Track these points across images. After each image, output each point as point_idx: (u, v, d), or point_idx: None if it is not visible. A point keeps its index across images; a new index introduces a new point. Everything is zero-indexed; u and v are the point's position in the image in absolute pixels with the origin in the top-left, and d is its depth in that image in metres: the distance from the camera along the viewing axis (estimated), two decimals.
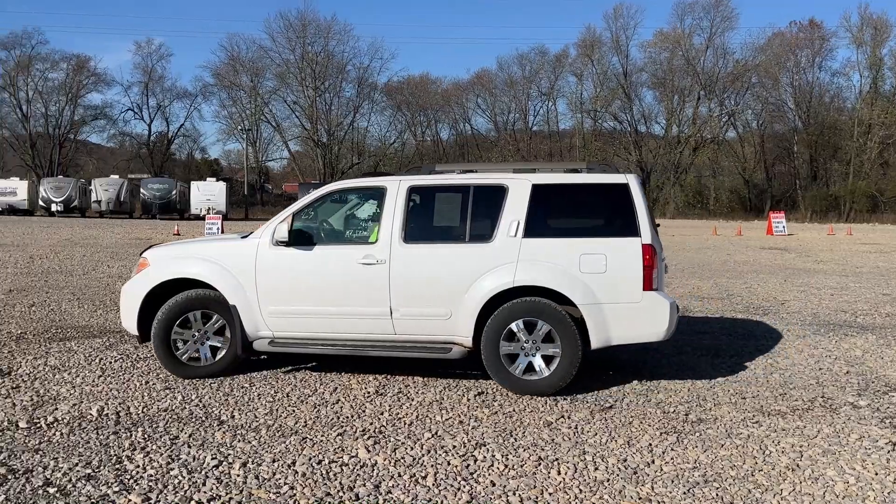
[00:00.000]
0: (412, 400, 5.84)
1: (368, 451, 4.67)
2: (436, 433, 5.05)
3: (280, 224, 6.28)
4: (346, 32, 79.51)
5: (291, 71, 68.47)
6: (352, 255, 6.23)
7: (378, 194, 6.46)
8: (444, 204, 6.51)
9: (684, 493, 4.11)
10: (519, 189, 6.21)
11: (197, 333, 6.38)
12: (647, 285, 5.98)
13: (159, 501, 3.90)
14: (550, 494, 4.06)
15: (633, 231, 6.05)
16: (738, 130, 68.30)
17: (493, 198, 6.24)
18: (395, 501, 3.95)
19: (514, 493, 4.06)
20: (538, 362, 5.99)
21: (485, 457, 4.62)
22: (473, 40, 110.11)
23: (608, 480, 4.27)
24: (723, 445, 4.88)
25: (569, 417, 5.44)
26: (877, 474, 4.41)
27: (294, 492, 4.05)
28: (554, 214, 6.28)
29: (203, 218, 35.36)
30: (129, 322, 6.52)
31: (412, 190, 6.34)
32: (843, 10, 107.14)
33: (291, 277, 6.32)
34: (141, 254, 6.84)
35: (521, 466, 4.47)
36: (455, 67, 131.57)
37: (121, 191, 48.66)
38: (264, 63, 68.84)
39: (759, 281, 14.36)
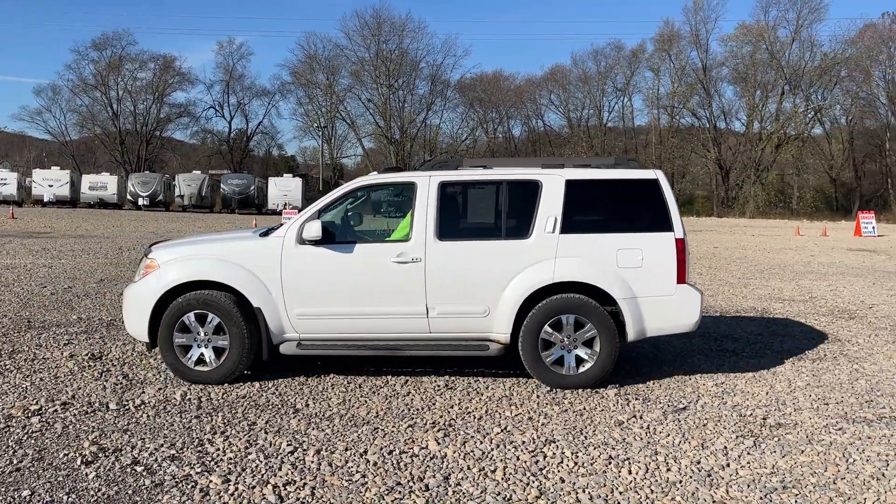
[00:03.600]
0: (481, 395, 5.87)
1: (438, 444, 4.72)
2: (505, 428, 5.06)
3: (308, 222, 6.05)
4: (420, 30, 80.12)
5: (366, 69, 69.45)
6: (384, 254, 6.11)
7: (408, 190, 6.36)
8: (477, 200, 6.45)
9: (761, 498, 3.99)
10: (553, 184, 6.21)
11: (199, 336, 6.03)
12: (681, 278, 6.16)
13: (238, 483, 4.06)
14: (621, 493, 4.02)
15: (666, 226, 6.18)
16: (824, 127, 65.27)
17: (528, 193, 6.24)
18: (464, 493, 3.99)
19: (584, 491, 4.04)
20: (570, 360, 6.07)
21: (554, 453, 4.61)
22: (547, 36, 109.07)
23: (681, 482, 4.19)
24: (803, 451, 4.71)
25: (640, 417, 5.36)
26: None
27: (366, 480, 4.14)
28: (589, 210, 6.31)
29: (280, 213, 36.33)
30: (138, 327, 6.10)
31: (443, 186, 6.22)
32: None
33: (320, 277, 6.11)
34: (146, 254, 6.40)
35: (592, 464, 4.44)
36: (528, 64, 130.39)
37: (202, 186, 50.55)
38: (340, 61, 70.08)
39: (845, 283, 13.74)
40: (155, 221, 32.39)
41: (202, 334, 6.04)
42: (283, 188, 49.89)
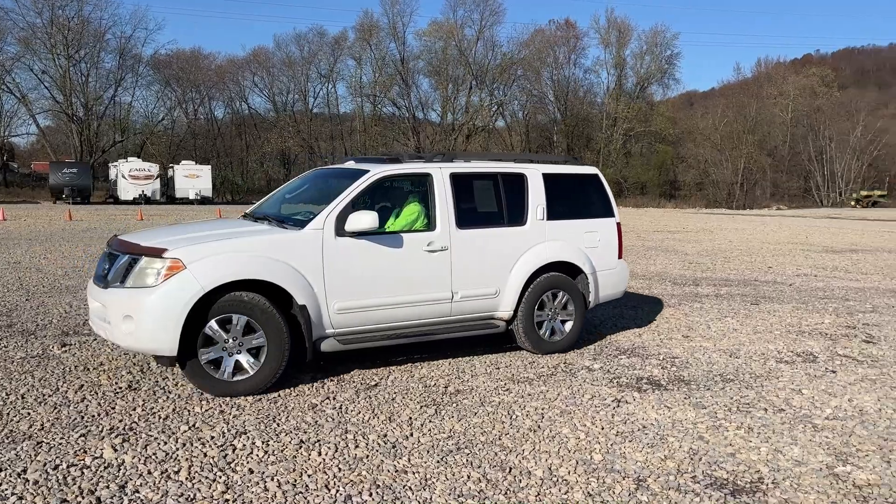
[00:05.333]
0: (169, 393, 5.54)
1: (115, 451, 4.35)
2: (193, 425, 4.84)
3: (354, 214, 5.89)
4: None
5: (38, 36, 60.63)
6: (417, 243, 6.29)
7: (426, 181, 6.54)
8: (481, 190, 6.93)
9: (438, 461, 4.34)
10: (534, 178, 7.11)
11: (228, 343, 5.45)
12: (620, 255, 7.65)
13: None
14: (309, 476, 4.08)
15: (610, 212, 7.62)
16: (506, 120, 72.91)
17: (518, 185, 7.03)
18: (142, 500, 3.73)
19: (273, 479, 4.03)
20: (558, 327, 7.11)
21: (244, 445, 4.52)
22: (249, 16, 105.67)
23: (367, 457, 4.38)
24: (476, 413, 5.22)
25: (334, 398, 5.49)
26: (603, 429, 4.98)
27: (22, 502, 3.66)
28: (561, 200, 7.23)
29: None
30: (163, 343, 5.22)
31: (453, 177, 6.61)
32: (594, 12, 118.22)
33: (362, 269, 6.03)
34: (158, 254, 5.41)
35: (282, 451, 4.44)
36: (229, 43, 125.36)
37: None
38: (5, 25, 60.36)
39: None
40: None
41: (233, 341, 5.48)
42: None
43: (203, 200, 48.04)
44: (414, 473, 4.16)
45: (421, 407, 5.34)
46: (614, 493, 4.00)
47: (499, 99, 70.19)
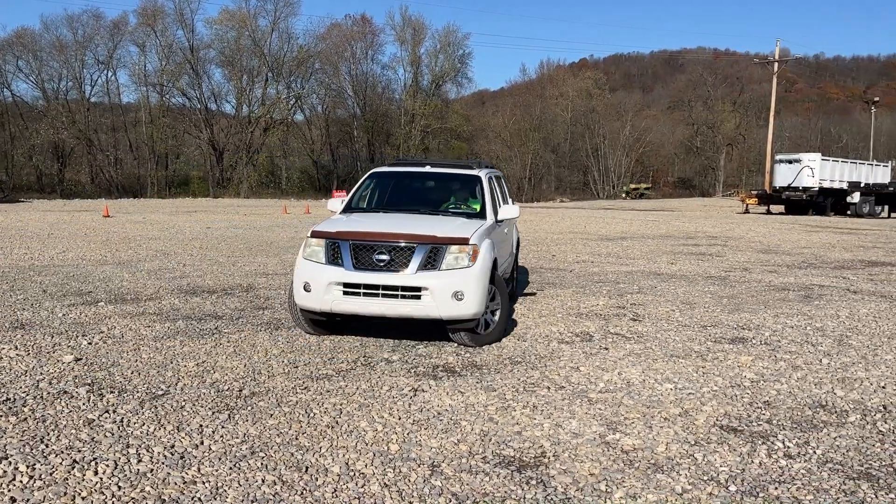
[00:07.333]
0: None
1: None
2: None
3: (503, 208, 8.64)
4: None
5: None
6: (505, 226, 9.03)
7: (474, 182, 8.96)
8: (496, 188, 9.33)
9: (231, 468, 4.17)
10: (499, 178, 9.90)
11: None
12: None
13: None
14: (83, 498, 3.74)
15: (512, 201, 10.49)
16: (305, 114, 71.62)
17: (499, 184, 9.73)
18: None
19: None
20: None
21: (5, 471, 4.03)
22: None
23: (152, 471, 4.10)
24: (272, 415, 5.08)
25: (114, 412, 5.07)
26: (400, 419, 5.07)
27: None
28: (504, 194, 9.96)
29: None
30: (481, 306, 7.04)
31: (489, 179, 9.01)
32: (389, 9, 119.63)
33: (501, 243, 8.39)
34: (465, 241, 7.06)
35: (51, 474, 4.02)
36: None
37: None
38: None
39: None
40: None
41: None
42: None
43: None
44: (204, 483, 3.96)
45: (213, 413, 5.10)
46: (410, 481, 4.09)
47: (296, 92, 68.77)
